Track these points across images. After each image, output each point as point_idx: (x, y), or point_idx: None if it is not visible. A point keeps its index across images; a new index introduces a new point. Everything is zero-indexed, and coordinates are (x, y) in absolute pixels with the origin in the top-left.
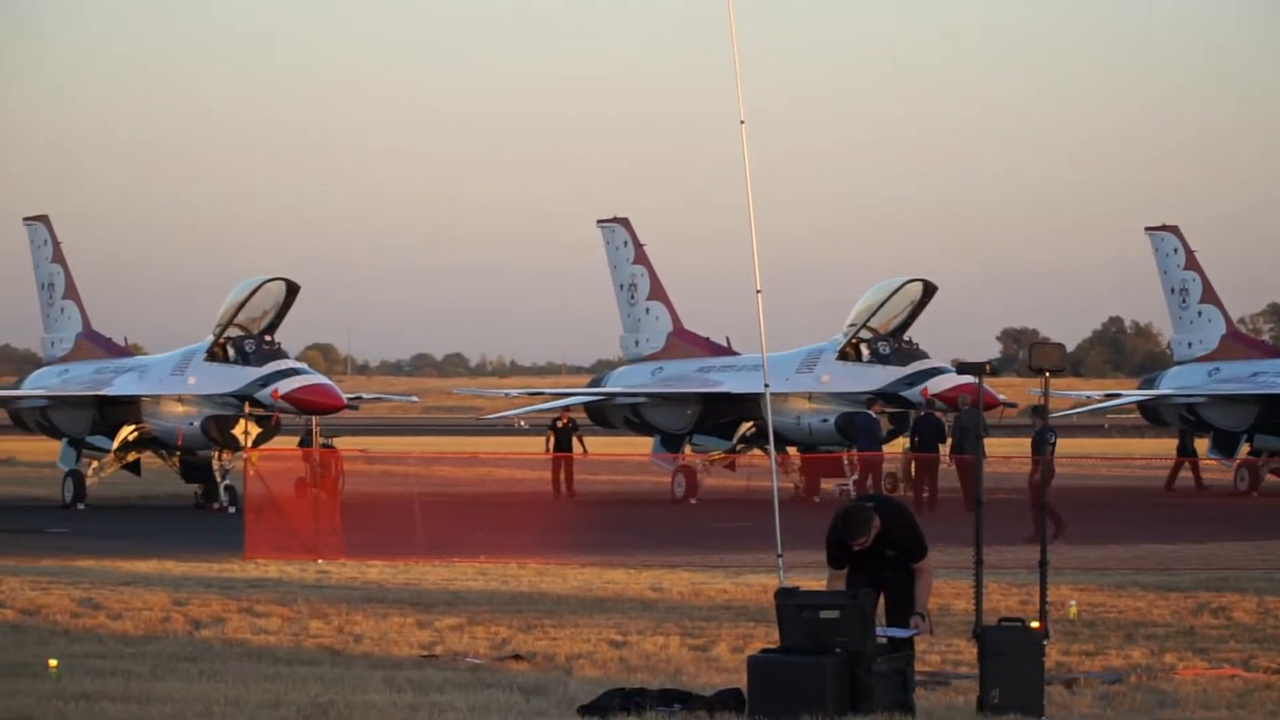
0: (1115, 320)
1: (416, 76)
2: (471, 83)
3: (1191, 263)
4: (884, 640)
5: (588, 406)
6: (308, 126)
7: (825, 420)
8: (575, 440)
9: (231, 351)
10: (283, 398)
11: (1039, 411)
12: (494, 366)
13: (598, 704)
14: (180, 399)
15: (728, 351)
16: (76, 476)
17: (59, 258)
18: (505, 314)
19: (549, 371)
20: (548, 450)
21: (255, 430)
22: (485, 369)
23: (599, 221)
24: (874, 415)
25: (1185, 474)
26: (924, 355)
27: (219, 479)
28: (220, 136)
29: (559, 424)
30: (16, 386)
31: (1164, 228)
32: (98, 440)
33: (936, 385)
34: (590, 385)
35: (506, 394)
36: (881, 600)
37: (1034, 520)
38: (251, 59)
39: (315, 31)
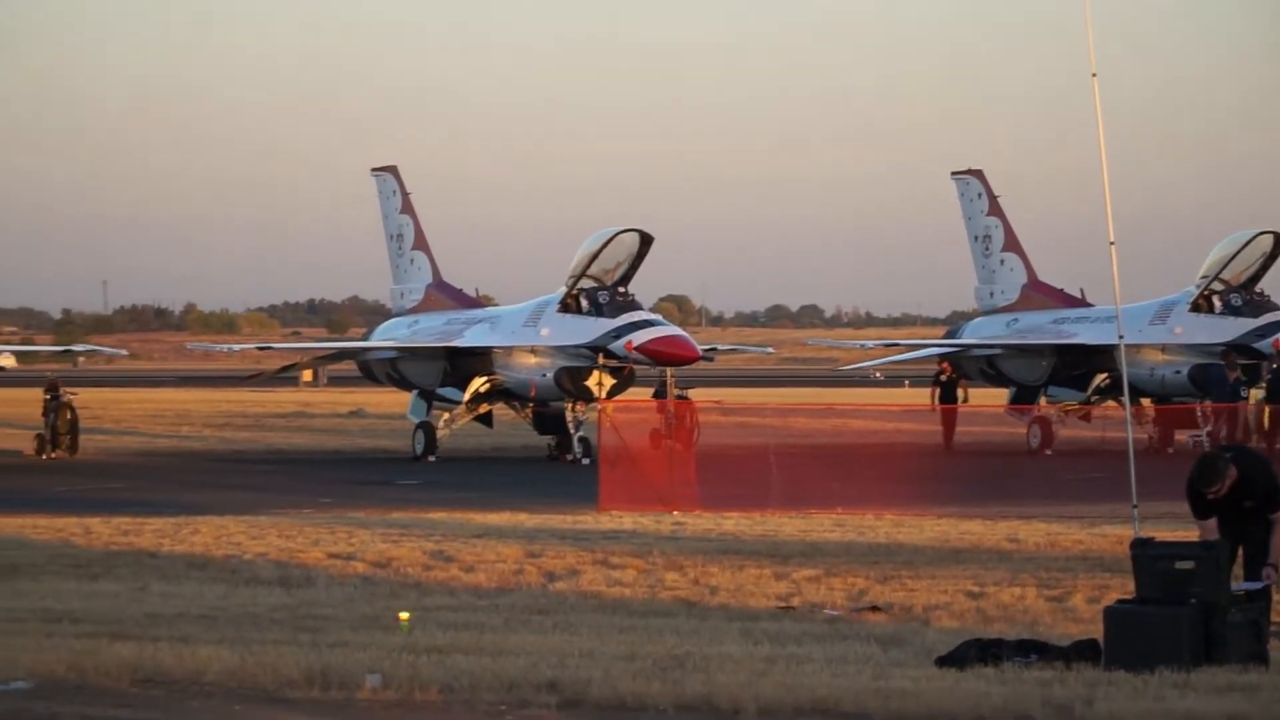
0: None
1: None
2: (828, 55)
3: None
4: (1241, 592)
5: (942, 358)
6: (667, 82)
7: (1178, 372)
8: (959, 391)
9: (585, 303)
10: (637, 349)
11: None
12: (849, 318)
13: (955, 654)
14: (533, 350)
15: (1082, 303)
16: (427, 429)
17: (408, 208)
18: (861, 265)
19: (904, 323)
20: (933, 404)
21: (609, 382)
22: (840, 320)
23: (953, 174)
24: (1225, 366)
25: None
26: (1276, 307)
27: (573, 431)
28: (574, 90)
29: (941, 377)
30: (366, 338)
31: None
32: (448, 392)
33: None
34: (945, 337)
35: (862, 345)
36: (1241, 552)
37: None
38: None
39: None
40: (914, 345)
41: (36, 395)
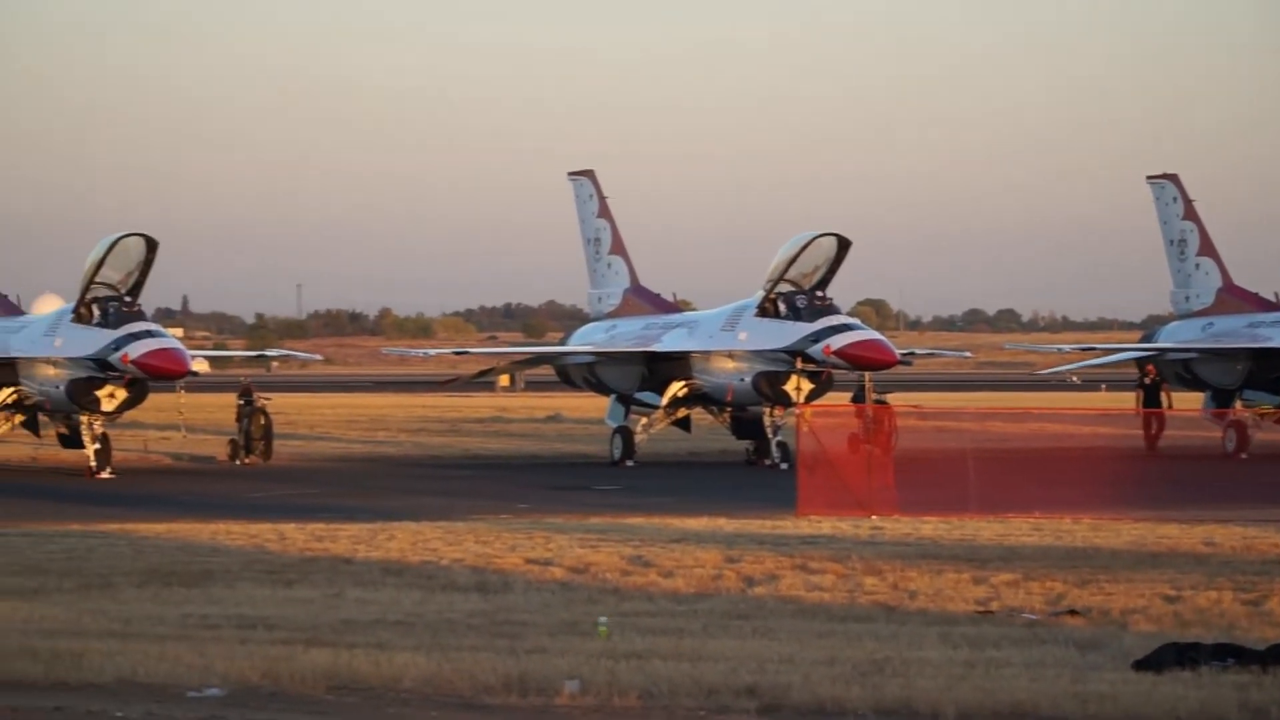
0: None
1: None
2: (1023, 60)
3: None
4: None
5: (1138, 361)
6: (865, 82)
7: None
8: (1163, 395)
9: (783, 307)
10: (835, 353)
11: None
12: (1045, 322)
13: (1152, 658)
14: (731, 355)
15: (1277, 307)
16: (625, 433)
17: (605, 212)
18: (1057, 269)
19: (1100, 327)
20: (1138, 407)
21: (807, 386)
22: (1037, 324)
23: (1148, 178)
24: None
25: None
26: None
27: (771, 435)
28: (774, 90)
29: (1146, 380)
30: (563, 343)
31: None
32: (646, 397)
33: None
34: (1141, 341)
35: (1059, 349)
36: None
37: None
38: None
39: None
40: (1110, 349)
41: (230, 401)
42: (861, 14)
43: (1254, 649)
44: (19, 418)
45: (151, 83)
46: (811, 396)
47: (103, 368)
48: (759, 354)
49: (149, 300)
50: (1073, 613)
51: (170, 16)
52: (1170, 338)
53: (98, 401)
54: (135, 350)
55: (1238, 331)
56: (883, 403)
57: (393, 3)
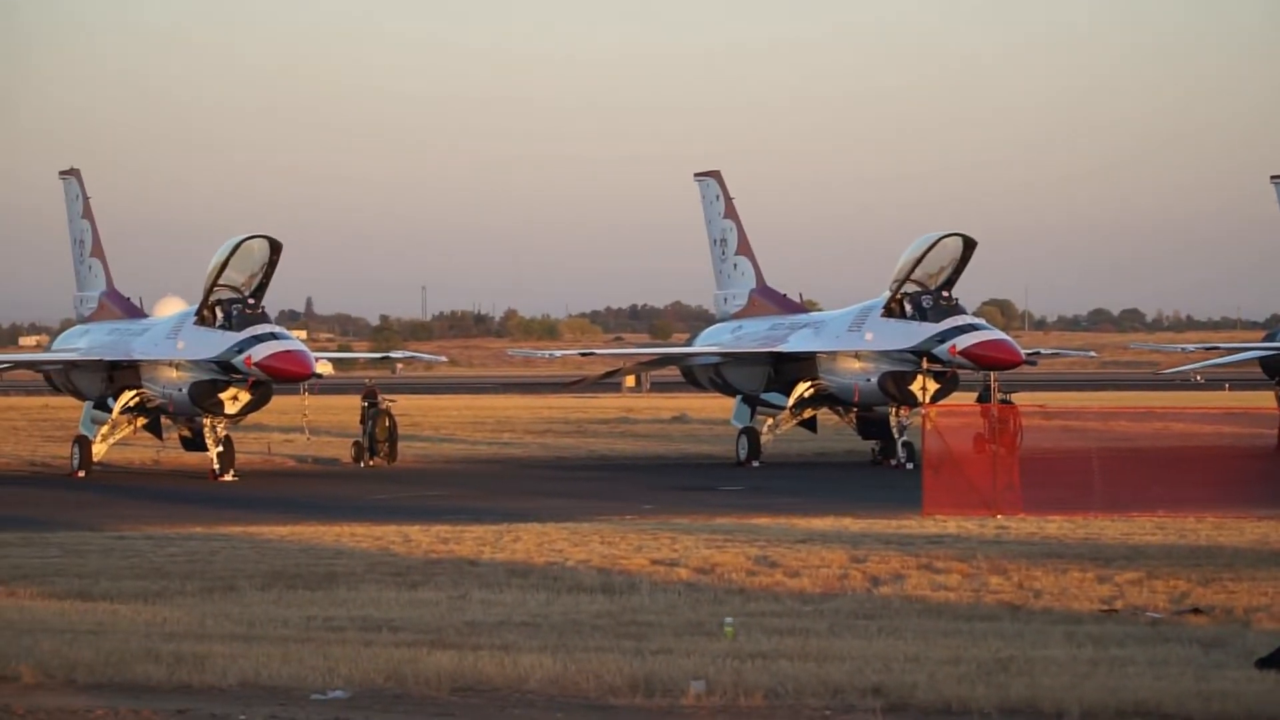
0: None
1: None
2: (1144, 60)
3: None
4: None
5: (1261, 360)
6: (989, 82)
7: None
8: None
9: (908, 308)
10: (960, 353)
11: None
12: (1170, 321)
13: (1276, 656)
14: (857, 355)
15: None
16: (751, 434)
17: (731, 213)
18: (1181, 268)
19: (1224, 326)
20: (1278, 405)
21: (933, 386)
22: (1161, 324)
23: (1272, 178)
24: None
25: None
26: None
27: (896, 435)
28: (895, 90)
29: None
30: (689, 344)
31: None
32: (772, 397)
33: None
34: (1265, 340)
35: (1183, 349)
36: None
37: None
38: None
39: None
40: (1234, 349)
41: (354, 403)
42: (1006, 12)
43: None
44: (142, 421)
45: (281, 84)
46: (937, 396)
47: (226, 370)
48: (885, 354)
49: (272, 302)
50: (1196, 611)
51: (326, 15)
52: None
53: (221, 404)
54: (259, 353)
55: None
56: (1008, 402)
57: (532, 7)
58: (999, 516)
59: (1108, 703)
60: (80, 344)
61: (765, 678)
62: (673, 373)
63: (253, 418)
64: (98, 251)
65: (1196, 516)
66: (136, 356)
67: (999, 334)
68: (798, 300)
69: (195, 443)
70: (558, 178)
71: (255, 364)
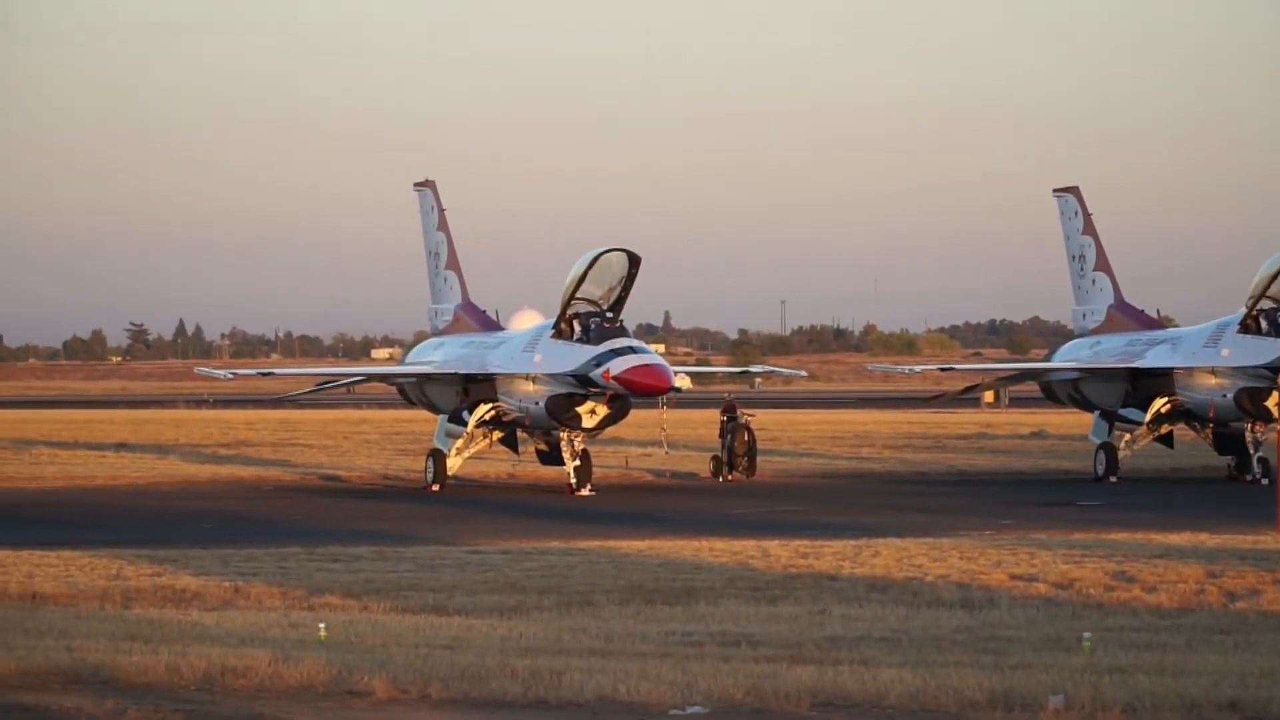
0: None
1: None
2: None
3: None
4: None
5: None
6: None
7: None
8: None
9: (1264, 324)
10: None
11: None
12: None
13: None
14: (1213, 371)
15: None
16: (1109, 449)
17: (1089, 229)
18: None
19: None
20: None
21: None
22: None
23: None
24: None
25: None
26: None
27: (1252, 451)
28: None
29: None
30: (1047, 359)
31: None
32: (1129, 413)
33: None
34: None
35: None
36: None
37: None
38: None
39: None
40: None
41: (713, 417)
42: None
43: None
44: (497, 434)
45: (642, 93)
46: None
47: (583, 384)
48: (1241, 370)
49: (630, 315)
50: None
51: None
52: None
53: (578, 418)
54: (617, 366)
55: None
56: None
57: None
58: None
59: None
60: (435, 357)
61: (1123, 693)
62: (1031, 388)
63: (610, 431)
64: (453, 264)
65: None
66: (493, 370)
67: None
68: (1155, 316)
69: (552, 456)
70: (916, 191)
71: (614, 377)
